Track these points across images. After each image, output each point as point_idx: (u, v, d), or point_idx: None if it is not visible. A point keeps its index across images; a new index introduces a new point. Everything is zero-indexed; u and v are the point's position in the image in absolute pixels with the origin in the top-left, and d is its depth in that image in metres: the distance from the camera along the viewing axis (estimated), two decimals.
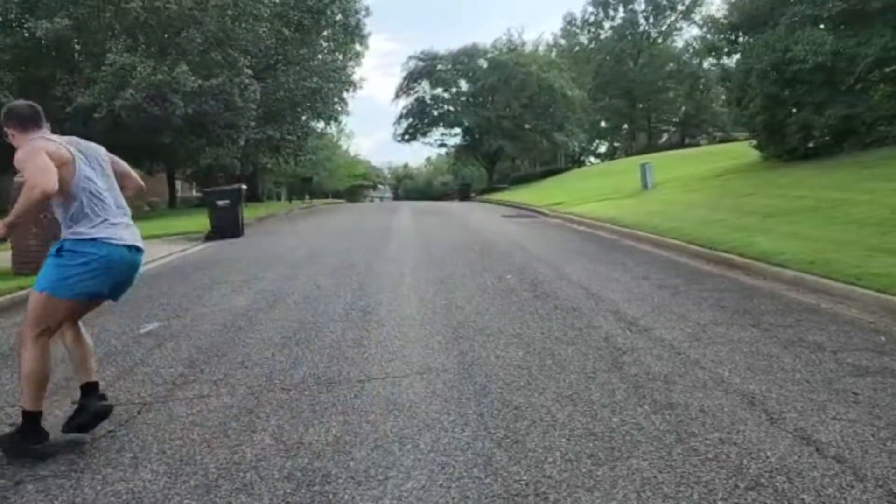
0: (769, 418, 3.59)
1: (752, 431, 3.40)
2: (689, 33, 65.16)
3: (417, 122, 50.54)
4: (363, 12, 34.76)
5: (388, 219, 19.95)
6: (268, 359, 4.95)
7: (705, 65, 63.68)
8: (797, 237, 9.44)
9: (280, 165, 31.72)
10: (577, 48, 65.76)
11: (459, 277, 8.34)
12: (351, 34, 30.12)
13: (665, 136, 68.78)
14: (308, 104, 27.26)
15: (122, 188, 3.75)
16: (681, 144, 59.14)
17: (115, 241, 3.47)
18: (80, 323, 3.70)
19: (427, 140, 52.58)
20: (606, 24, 64.96)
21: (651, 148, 55.60)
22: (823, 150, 17.37)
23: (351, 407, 3.88)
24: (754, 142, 19.97)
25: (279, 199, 35.42)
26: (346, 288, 7.78)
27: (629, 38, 63.61)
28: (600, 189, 24.39)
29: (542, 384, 4.20)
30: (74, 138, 3.66)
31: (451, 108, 49.97)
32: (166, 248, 12.84)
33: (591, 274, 8.47)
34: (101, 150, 3.74)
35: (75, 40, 21.36)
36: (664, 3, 62.88)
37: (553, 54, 59.67)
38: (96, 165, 3.59)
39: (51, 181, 3.20)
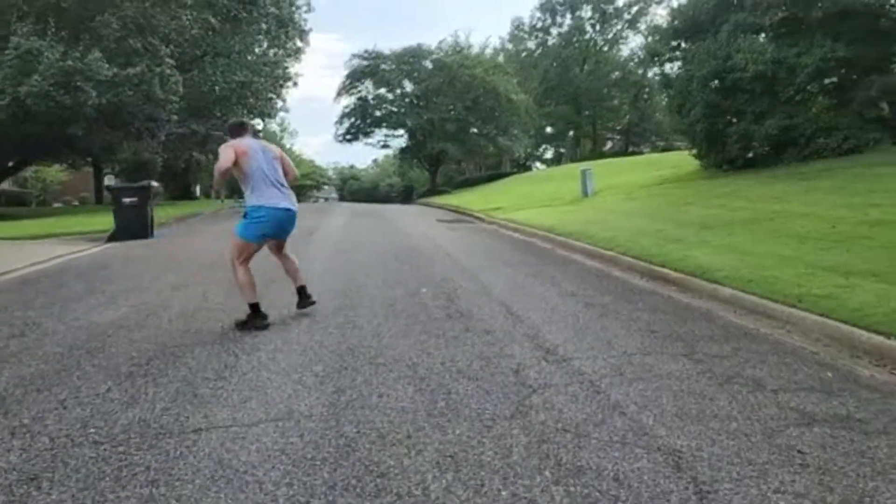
0: (697, 491, 2.84)
1: None
2: (635, 42, 65.75)
3: (360, 122, 49.33)
4: (304, 7, 33.65)
5: (318, 220, 18.91)
6: (98, 396, 4.00)
7: (650, 74, 64.59)
8: (735, 251, 8.87)
9: (210, 163, 30.15)
10: (524, 53, 65.66)
11: (370, 289, 7.48)
12: (286, 27, 28.85)
13: (609, 144, 69.24)
14: (237, 99, 25.89)
15: (284, 175, 6.04)
16: (625, 152, 59.53)
17: (273, 205, 5.77)
18: (283, 251, 6.25)
19: (370, 141, 51.42)
20: (554, 31, 65.07)
21: (596, 155, 55.79)
22: (762, 161, 17.09)
23: (167, 472, 2.98)
24: (694, 150, 19.65)
25: (221, 197, 33.83)
26: (236, 301, 6.83)
27: (576, 44, 63.83)
28: (541, 195, 23.85)
29: (424, 437, 3.37)
30: (261, 141, 6.15)
31: (395, 109, 48.94)
32: (59, 248, 11.64)
33: (515, 288, 7.71)
34: (275, 149, 6.16)
35: None
36: (610, 11, 63.28)
37: (500, 58, 59.32)
38: (268, 158, 5.89)
39: (222, 165, 5.53)
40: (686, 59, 18.55)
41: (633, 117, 65.19)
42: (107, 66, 17.70)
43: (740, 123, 16.72)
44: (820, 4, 15.85)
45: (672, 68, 20.93)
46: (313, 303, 6.22)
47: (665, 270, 8.45)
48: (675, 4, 19.60)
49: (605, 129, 68.78)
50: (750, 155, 17.39)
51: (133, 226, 13.26)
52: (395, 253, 10.88)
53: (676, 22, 18.71)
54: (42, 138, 19.88)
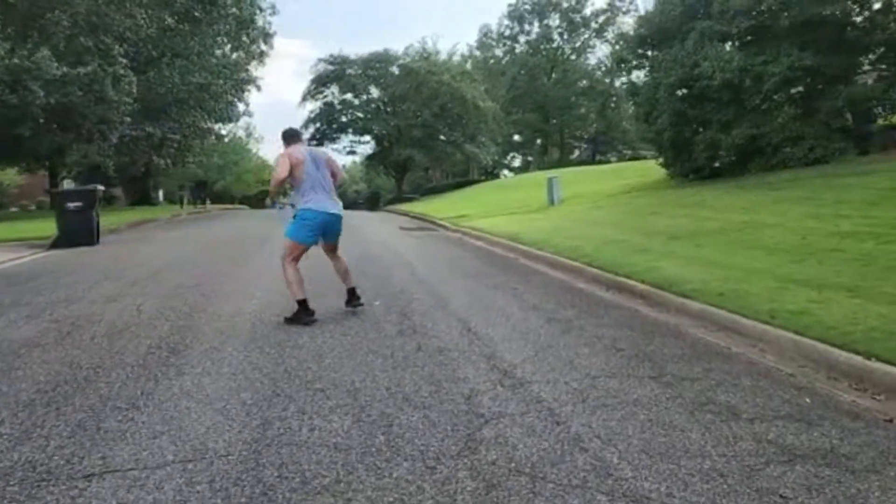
0: None
1: None
2: (602, 51, 66.12)
3: (325, 128, 48.60)
4: (269, 10, 32.97)
5: (274, 228, 18.32)
6: None
7: (616, 83, 64.96)
8: (703, 262, 8.56)
9: (168, 167, 29.23)
10: (492, 61, 65.56)
11: (318, 302, 6.98)
12: (247, 28, 28.14)
13: (577, 152, 69.39)
14: (195, 101, 25.06)
15: (332, 177, 6.46)
16: (592, 160, 59.64)
17: (322, 209, 6.20)
18: (336, 252, 6.67)
19: (336, 147, 50.72)
20: (522, 38, 65.13)
21: (563, 163, 55.72)
22: (729, 170, 16.95)
23: None
24: (661, 159, 19.48)
25: (182, 202, 32.91)
26: (172, 315, 6.31)
27: (543, 52, 63.97)
28: (508, 202, 23.51)
29: (356, 483, 2.91)
30: (313, 149, 6.67)
31: (361, 115, 48.32)
32: None
33: (474, 301, 7.29)
34: (323, 154, 6.65)
35: None
36: (578, 19, 63.53)
37: (468, 65, 59.06)
38: (319, 164, 6.31)
39: (280, 175, 6.11)
40: (653, 67, 18.37)
41: (600, 126, 65.45)
42: (56, 64, 16.90)
43: (707, 132, 16.56)
44: (787, 14, 15.74)
45: (639, 76, 20.77)
46: (361, 304, 6.61)
47: (631, 282, 8.10)
48: (642, 12, 19.39)
49: (572, 138, 68.97)
50: (717, 164, 17.24)
51: (77, 232, 12.57)
52: (351, 262, 10.38)
53: (643, 29, 18.53)
54: None
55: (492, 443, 3.37)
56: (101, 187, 13.39)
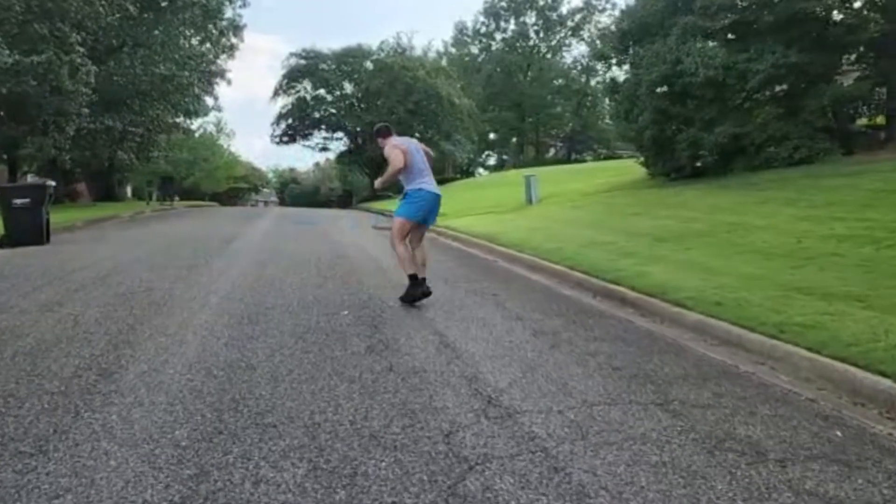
0: None
1: None
2: (578, 50, 65.88)
3: (297, 124, 47.61)
4: (238, 2, 31.93)
5: (242, 226, 17.56)
6: None
7: (593, 82, 64.78)
8: (695, 267, 8.03)
9: (131, 162, 28.06)
10: (467, 58, 64.97)
11: (279, 314, 6.31)
12: (213, 19, 27.12)
13: (553, 151, 69.12)
14: (158, 94, 23.99)
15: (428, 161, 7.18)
16: (568, 159, 59.38)
17: (429, 189, 6.96)
18: (421, 242, 7.21)
19: (308, 143, 49.77)
20: (498, 36, 64.69)
21: (539, 162, 55.34)
22: (711, 170, 16.51)
23: None
24: (641, 158, 19.01)
25: (151, 199, 31.82)
26: (112, 327, 5.59)
27: (519, 50, 63.56)
28: (485, 201, 22.91)
29: None
30: (407, 138, 7.50)
31: (334, 111, 47.41)
32: None
33: (452, 310, 6.67)
34: (415, 140, 7.43)
35: None
36: (554, 18, 63.21)
37: (444, 62, 58.38)
38: (418, 150, 7.10)
39: (399, 164, 6.77)
40: (634, 63, 17.87)
41: (575, 125, 65.22)
42: (7, 52, 15.91)
43: (689, 130, 16.11)
44: (768, 10, 15.32)
45: (619, 73, 20.27)
46: (428, 294, 6.85)
47: (620, 289, 7.54)
48: (618, 12, 18.87)
49: (548, 136, 68.69)
50: (698, 164, 16.80)
51: (25, 231, 11.68)
52: (318, 265, 9.72)
53: (625, 24, 18.01)
54: None
55: (478, 498, 2.75)
56: (51, 182, 12.47)
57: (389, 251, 12.33)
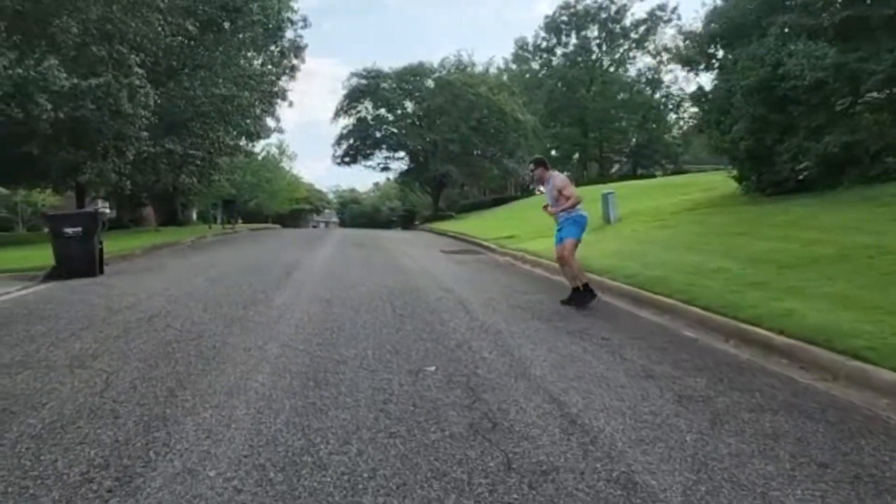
0: None
1: None
2: (642, 62, 63.90)
3: (359, 144, 47.12)
4: (300, 23, 31.51)
5: (303, 252, 16.61)
6: None
7: (657, 95, 62.63)
8: (853, 304, 6.54)
9: (194, 186, 27.69)
10: (528, 74, 63.67)
11: (352, 369, 5.13)
12: (275, 38, 26.59)
13: (616, 166, 67.00)
14: (218, 115, 23.42)
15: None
16: (633, 175, 57.31)
17: (587, 214, 8.42)
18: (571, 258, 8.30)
19: (369, 163, 49.21)
20: (559, 51, 63.23)
21: (603, 178, 53.53)
22: (816, 183, 14.78)
23: None
24: (734, 171, 17.35)
25: (215, 221, 31.45)
26: (148, 396, 4.49)
27: (581, 65, 61.94)
28: (554, 221, 21.51)
29: None
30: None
31: (395, 130, 46.74)
32: None
33: (561, 362, 5.38)
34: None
35: None
36: (617, 30, 61.49)
37: (504, 78, 57.30)
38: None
39: (581, 196, 8.41)
40: (724, 68, 16.28)
41: (640, 139, 63.12)
42: (64, 75, 15.41)
43: (793, 140, 14.44)
44: (884, 4, 13.64)
45: (703, 80, 18.70)
46: (594, 297, 8.26)
47: (763, 332, 6.14)
48: (683, 22, 17.32)
49: (611, 152, 66.61)
50: (800, 177, 15.08)
51: (76, 261, 10.90)
52: (392, 300, 8.54)
53: (714, 25, 16.47)
54: None
55: None
56: (106, 210, 11.91)
57: (466, 281, 11.20)
